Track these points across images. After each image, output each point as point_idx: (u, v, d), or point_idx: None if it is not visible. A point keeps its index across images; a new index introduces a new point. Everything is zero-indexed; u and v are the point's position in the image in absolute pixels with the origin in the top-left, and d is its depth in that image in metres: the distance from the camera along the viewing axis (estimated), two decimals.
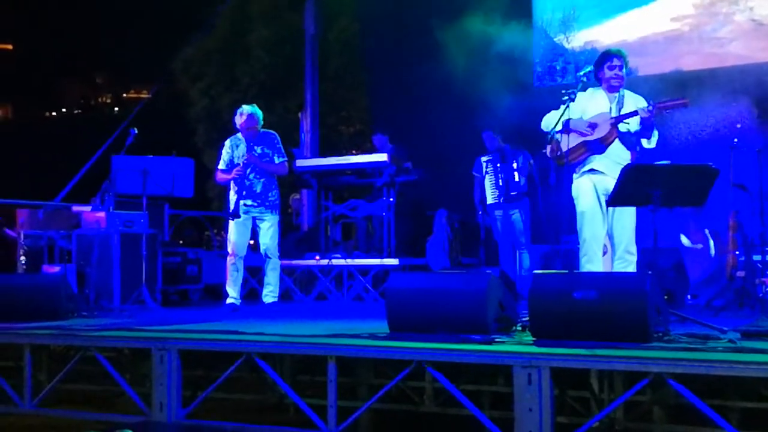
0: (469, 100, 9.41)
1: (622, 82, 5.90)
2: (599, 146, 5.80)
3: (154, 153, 8.50)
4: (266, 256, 7.35)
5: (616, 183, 5.13)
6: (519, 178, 8.58)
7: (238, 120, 7.30)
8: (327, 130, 13.36)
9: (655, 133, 5.78)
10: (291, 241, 10.44)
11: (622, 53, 5.92)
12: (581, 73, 5.93)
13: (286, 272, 9.32)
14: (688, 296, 7.03)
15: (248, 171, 7.25)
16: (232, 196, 7.27)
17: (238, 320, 6.19)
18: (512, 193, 8.59)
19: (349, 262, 9.15)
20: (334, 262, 9.21)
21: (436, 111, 10.17)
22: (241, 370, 5.11)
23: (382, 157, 9.12)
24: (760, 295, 6.26)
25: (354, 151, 10.29)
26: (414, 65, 10.31)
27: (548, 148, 5.93)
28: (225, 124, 17.00)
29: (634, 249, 5.81)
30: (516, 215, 8.64)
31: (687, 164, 5.10)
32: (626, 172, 5.03)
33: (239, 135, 7.38)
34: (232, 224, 7.26)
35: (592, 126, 5.81)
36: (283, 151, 7.46)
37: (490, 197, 8.76)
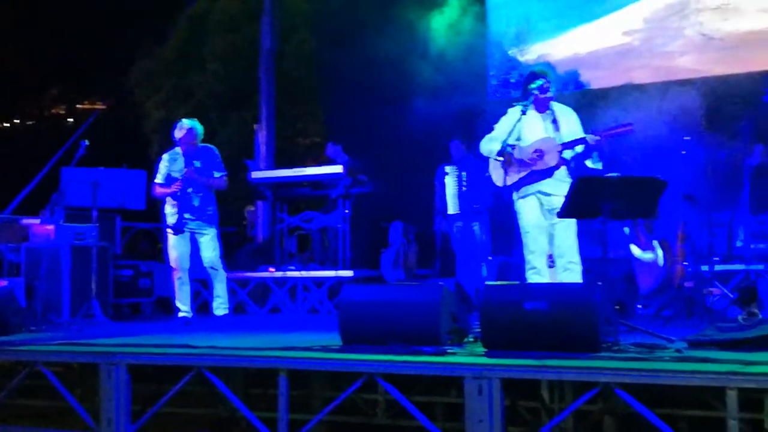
0: (424, 113, 9.45)
1: (551, 99, 5.97)
2: (549, 172, 5.85)
3: (110, 165, 8.40)
4: (212, 269, 7.32)
5: (566, 195, 5.19)
6: (482, 191, 8.59)
7: (178, 134, 7.26)
8: (283, 142, 13.30)
9: (597, 156, 5.85)
10: (245, 253, 10.38)
11: (547, 72, 6.00)
12: (532, 86, 5.97)
13: (239, 284, 9.26)
14: (639, 306, 7.11)
15: (181, 190, 7.21)
16: (170, 210, 7.22)
17: (190, 334, 6.13)
18: (475, 206, 8.61)
19: (304, 274, 9.12)
20: (289, 274, 9.17)
21: (391, 124, 10.21)
22: (192, 384, 5.04)
23: (338, 168, 9.12)
24: (708, 305, 6.36)
25: (310, 163, 10.24)
26: (369, 79, 10.34)
27: (495, 165, 5.92)
28: None
29: (577, 258, 5.88)
30: (477, 227, 8.67)
31: (635, 176, 5.17)
32: (576, 185, 5.08)
33: (177, 149, 7.33)
34: (172, 239, 7.21)
35: (539, 153, 5.84)
36: (222, 165, 7.43)
37: (452, 207, 8.77)
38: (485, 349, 4.49)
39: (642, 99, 8.57)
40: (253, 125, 12.06)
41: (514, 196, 5.95)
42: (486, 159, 6.03)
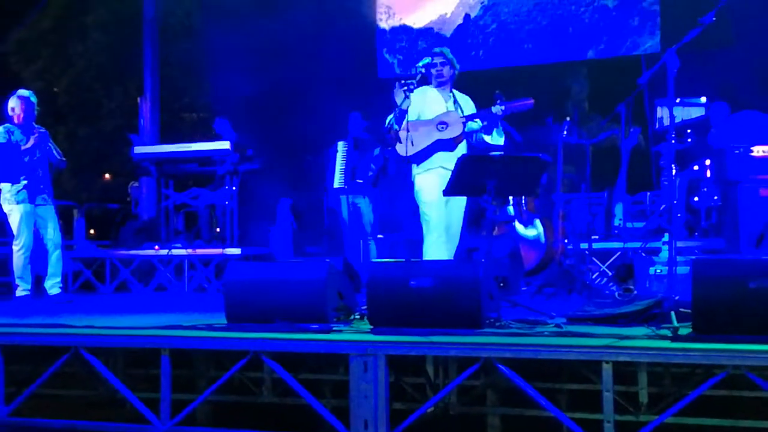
0: (312, 90, 9.39)
1: (445, 79, 6.01)
2: (450, 145, 5.89)
3: None
4: (54, 245, 7.08)
5: (452, 173, 5.25)
6: (369, 167, 8.56)
7: (15, 103, 6.99)
8: (169, 117, 12.97)
9: (500, 131, 5.94)
10: (130, 231, 10.09)
11: (444, 51, 6.04)
12: (420, 64, 5.99)
13: (123, 263, 9.01)
14: (523, 283, 7.28)
15: (29, 158, 6.97)
16: (8, 186, 6.93)
17: (70, 313, 5.93)
18: (358, 181, 8.60)
19: (190, 251, 8.92)
20: (174, 251, 8.95)
21: (279, 100, 10.10)
22: (71, 365, 4.90)
23: (225, 144, 8.93)
24: (587, 281, 6.57)
25: (198, 139, 9.98)
26: (257, 53, 10.19)
27: (402, 137, 5.96)
28: (60, 108, 16.25)
29: (458, 237, 6.04)
30: (362, 203, 8.66)
31: (518, 155, 5.27)
32: (461, 163, 5.15)
33: (9, 125, 7.05)
34: (18, 214, 6.92)
35: (443, 124, 5.90)
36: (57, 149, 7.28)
37: (337, 181, 8.73)
38: (371, 327, 4.51)
39: (528, 79, 8.77)
40: (137, 98, 11.69)
41: (415, 170, 5.97)
42: (377, 135, 6.04)
